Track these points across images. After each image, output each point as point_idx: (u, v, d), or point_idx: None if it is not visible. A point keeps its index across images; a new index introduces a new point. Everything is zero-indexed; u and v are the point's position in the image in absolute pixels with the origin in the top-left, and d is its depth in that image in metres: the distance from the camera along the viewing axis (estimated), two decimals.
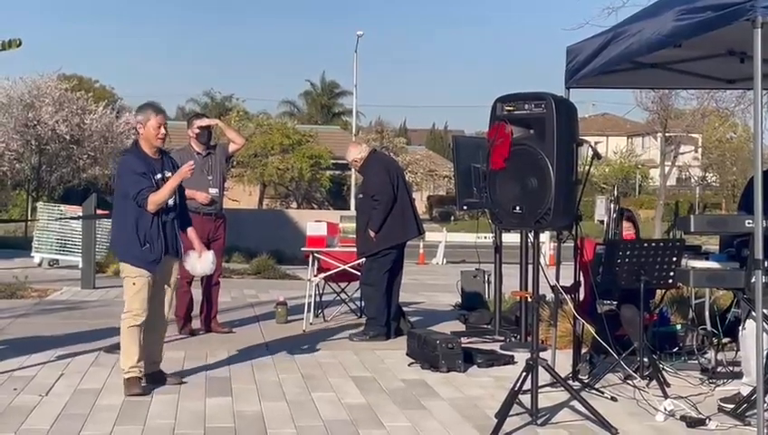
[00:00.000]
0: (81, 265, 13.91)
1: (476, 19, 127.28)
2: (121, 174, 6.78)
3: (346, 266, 9.85)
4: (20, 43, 8.00)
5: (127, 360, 6.61)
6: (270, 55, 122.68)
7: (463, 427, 5.86)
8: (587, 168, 7.16)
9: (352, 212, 11.45)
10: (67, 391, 6.57)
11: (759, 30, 4.96)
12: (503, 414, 5.68)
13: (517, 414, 5.82)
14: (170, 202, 6.71)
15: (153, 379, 6.79)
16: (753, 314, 5.86)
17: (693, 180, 55.30)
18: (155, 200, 6.55)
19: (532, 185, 5.71)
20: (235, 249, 17.76)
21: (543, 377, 6.04)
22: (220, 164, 9.08)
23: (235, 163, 33.90)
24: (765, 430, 5.20)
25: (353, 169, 10.44)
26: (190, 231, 7.01)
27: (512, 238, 11.29)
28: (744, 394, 6.16)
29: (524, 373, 5.82)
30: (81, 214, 14.63)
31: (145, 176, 6.59)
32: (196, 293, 9.17)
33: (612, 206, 7.67)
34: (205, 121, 9.21)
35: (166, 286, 6.81)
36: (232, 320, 9.95)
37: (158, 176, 6.68)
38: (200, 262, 6.95)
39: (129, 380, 6.57)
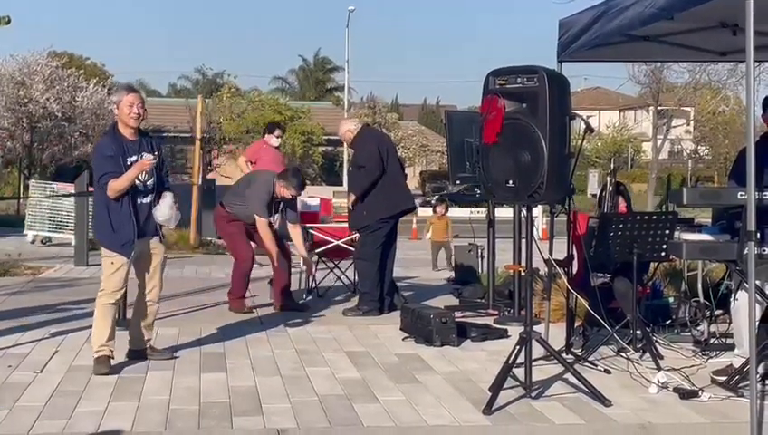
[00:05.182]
0: (74, 243, 13.89)
1: None
2: (95, 156, 6.67)
3: (339, 242, 9.85)
4: (9, 21, 7.95)
5: (97, 338, 6.51)
6: (261, 31, 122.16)
7: (457, 400, 5.88)
8: (580, 141, 7.15)
9: (345, 188, 11.43)
10: (61, 368, 6.57)
11: (751, 2, 4.94)
12: (497, 387, 5.71)
13: (511, 387, 5.85)
14: (149, 184, 6.51)
15: (140, 354, 6.80)
16: (746, 285, 5.88)
17: (685, 154, 55.32)
18: (114, 187, 6.35)
19: (525, 159, 5.70)
20: None
21: (537, 350, 6.06)
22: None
23: (227, 140, 33.81)
24: (758, 402, 5.24)
25: (345, 144, 10.38)
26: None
27: (505, 213, 11.31)
28: (737, 366, 6.20)
29: (518, 347, 5.84)
30: (73, 191, 14.58)
31: (113, 159, 6.38)
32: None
33: (609, 178, 7.66)
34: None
35: (150, 268, 6.68)
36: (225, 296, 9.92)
37: (134, 158, 6.44)
38: (159, 207, 6.58)
39: (99, 358, 6.47)
